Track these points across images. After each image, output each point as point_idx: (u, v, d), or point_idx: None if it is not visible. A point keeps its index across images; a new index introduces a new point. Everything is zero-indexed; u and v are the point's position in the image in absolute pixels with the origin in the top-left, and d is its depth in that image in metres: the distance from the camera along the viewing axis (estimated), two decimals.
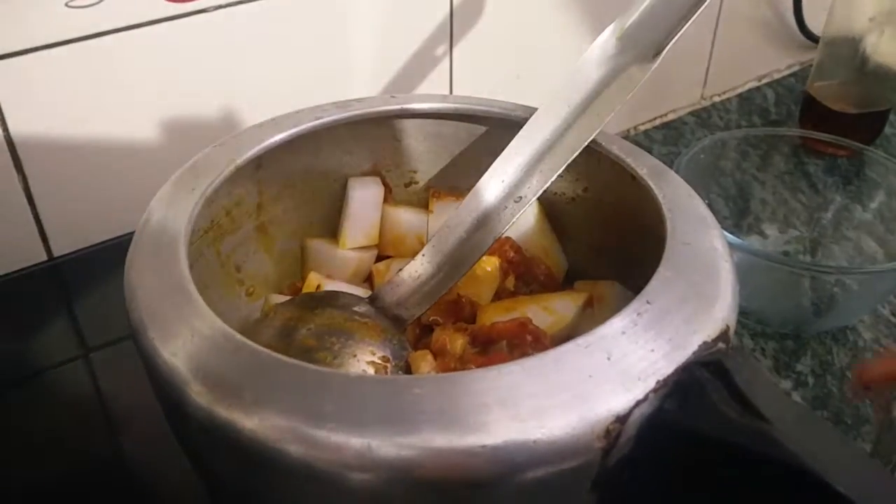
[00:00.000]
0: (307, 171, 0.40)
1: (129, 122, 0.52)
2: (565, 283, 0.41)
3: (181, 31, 0.51)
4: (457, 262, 0.35)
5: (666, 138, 0.77)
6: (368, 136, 0.41)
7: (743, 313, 0.55)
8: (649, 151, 0.72)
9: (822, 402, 0.50)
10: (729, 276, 0.30)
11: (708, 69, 0.80)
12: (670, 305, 0.28)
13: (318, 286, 0.38)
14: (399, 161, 0.42)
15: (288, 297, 0.38)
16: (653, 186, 0.34)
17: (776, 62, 0.86)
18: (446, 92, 0.65)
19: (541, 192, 0.34)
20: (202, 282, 0.30)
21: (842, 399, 0.51)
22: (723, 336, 0.27)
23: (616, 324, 0.27)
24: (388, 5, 0.58)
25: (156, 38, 0.50)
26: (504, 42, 0.65)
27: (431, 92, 0.63)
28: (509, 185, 0.34)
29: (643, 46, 0.33)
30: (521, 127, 0.35)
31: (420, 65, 0.62)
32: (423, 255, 0.36)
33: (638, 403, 0.25)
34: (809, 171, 0.68)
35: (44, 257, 0.54)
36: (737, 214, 0.64)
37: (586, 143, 0.33)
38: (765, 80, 0.85)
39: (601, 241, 0.40)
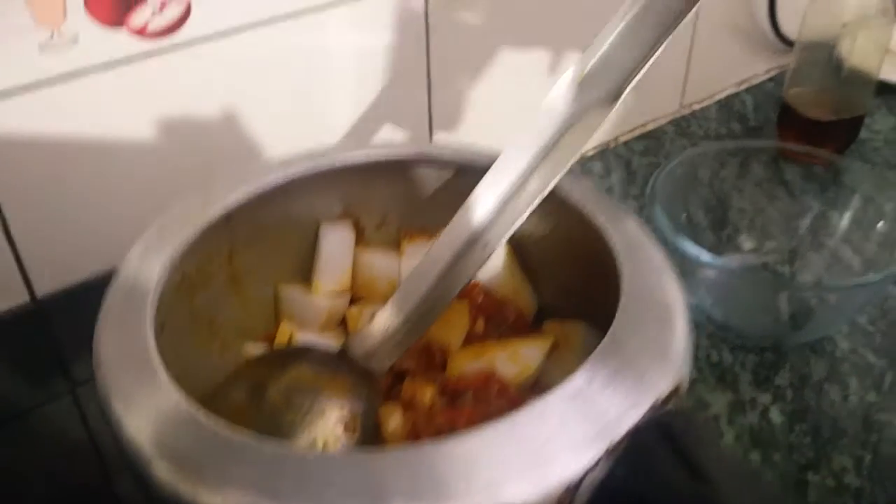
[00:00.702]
0: (278, 219, 0.40)
1: (109, 159, 0.52)
2: (535, 319, 0.42)
3: (157, 68, 0.51)
4: (425, 312, 0.35)
5: (647, 149, 0.77)
6: (338, 183, 0.41)
7: (722, 328, 0.56)
8: (629, 163, 0.74)
9: (801, 416, 0.51)
10: (683, 332, 0.31)
11: (686, 77, 0.80)
12: (623, 366, 0.28)
13: (290, 337, 0.38)
14: (370, 204, 0.43)
15: (262, 344, 0.39)
16: (610, 236, 0.34)
17: (754, 67, 0.86)
18: (425, 129, 0.65)
19: (507, 237, 0.35)
20: (174, 340, 0.31)
21: (820, 412, 0.51)
22: (673, 394, 0.28)
23: (569, 387, 0.27)
24: (365, 47, 0.59)
25: (132, 76, 0.50)
26: (482, 80, 0.66)
27: (411, 129, 0.64)
28: (475, 232, 0.34)
29: (602, 90, 0.33)
30: (485, 172, 0.35)
31: (396, 103, 0.62)
32: (392, 305, 0.36)
33: (589, 470, 0.26)
34: (787, 179, 0.68)
35: (26, 297, 0.54)
36: (716, 225, 0.64)
37: (550, 188, 0.34)
38: (743, 86, 0.86)
39: (568, 280, 0.40)
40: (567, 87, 0.34)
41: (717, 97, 0.84)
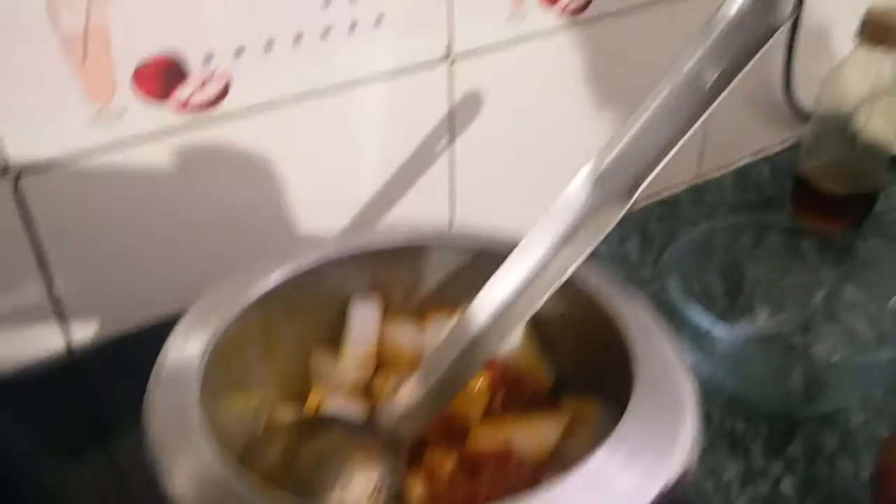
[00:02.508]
0: (311, 295, 0.43)
1: (149, 225, 0.55)
2: (552, 392, 0.43)
3: (196, 140, 0.54)
4: (447, 386, 0.37)
5: (663, 216, 0.79)
6: (369, 262, 0.44)
7: (735, 397, 0.57)
8: (645, 229, 0.76)
9: (813, 487, 0.51)
10: (692, 420, 0.32)
11: (703, 145, 0.82)
12: (637, 449, 0.30)
13: (321, 401, 0.40)
14: (396, 281, 0.45)
15: (294, 406, 0.41)
16: (624, 326, 0.36)
17: (770, 137, 0.87)
18: (446, 207, 0.68)
19: (525, 320, 0.36)
20: (212, 404, 0.33)
21: (832, 483, 0.52)
22: (682, 480, 0.30)
23: (586, 469, 0.29)
24: (393, 124, 0.62)
25: (173, 147, 0.53)
26: (505, 143, 0.68)
27: (433, 207, 0.67)
28: (495, 314, 0.36)
29: (618, 185, 0.35)
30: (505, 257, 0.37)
31: (420, 180, 0.65)
32: (416, 379, 0.38)
33: None
34: (802, 251, 0.69)
35: (62, 347, 0.56)
36: (730, 295, 0.65)
37: (566, 277, 0.35)
38: (760, 156, 0.87)
39: (582, 358, 0.42)
40: (585, 180, 0.36)
41: (734, 166, 0.85)
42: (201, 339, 0.36)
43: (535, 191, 0.70)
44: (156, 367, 0.36)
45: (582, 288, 0.40)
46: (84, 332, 0.57)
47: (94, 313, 0.57)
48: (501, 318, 0.36)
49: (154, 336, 0.36)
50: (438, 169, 0.65)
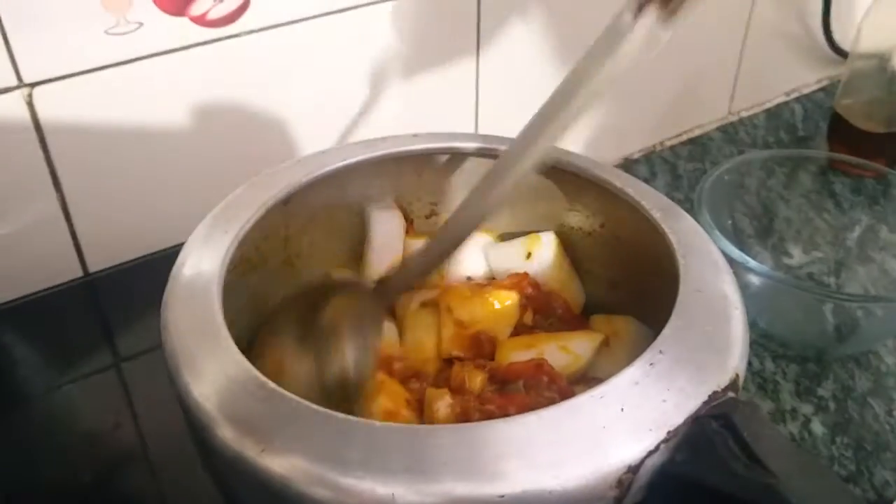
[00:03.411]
0: (331, 205, 0.41)
1: (165, 143, 0.54)
2: (583, 314, 0.42)
3: (214, 56, 0.52)
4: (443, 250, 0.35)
5: (692, 154, 0.77)
6: (391, 172, 0.42)
7: (765, 336, 0.56)
8: (675, 168, 0.74)
9: (843, 428, 0.50)
10: (739, 325, 0.31)
11: (735, 84, 0.80)
12: (682, 356, 0.29)
13: None
14: (420, 194, 0.43)
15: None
16: (666, 231, 0.34)
17: (805, 77, 0.85)
18: (472, 116, 0.65)
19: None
20: (230, 317, 0.32)
21: (863, 425, 0.51)
22: (732, 385, 0.28)
23: (629, 374, 0.28)
24: (417, 40, 0.59)
25: (190, 62, 0.52)
26: (530, 69, 0.66)
27: (457, 116, 0.64)
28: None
29: None
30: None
31: (443, 99, 0.63)
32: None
33: (649, 454, 0.26)
34: (835, 191, 0.68)
35: (80, 273, 0.55)
36: (761, 234, 0.64)
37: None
38: (793, 95, 0.85)
39: (618, 276, 0.41)
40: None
41: (766, 105, 0.83)
42: (224, 239, 0.34)
43: None
44: (172, 274, 0.35)
45: (621, 195, 0.38)
46: (98, 258, 0.55)
47: (108, 237, 0.55)
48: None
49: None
50: (463, 86, 0.63)
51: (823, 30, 0.81)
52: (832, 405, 0.52)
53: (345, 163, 0.39)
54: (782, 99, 0.84)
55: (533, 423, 0.26)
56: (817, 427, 0.51)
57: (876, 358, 0.55)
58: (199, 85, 0.53)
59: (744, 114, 0.82)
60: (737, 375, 0.29)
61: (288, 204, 0.39)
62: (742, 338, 0.31)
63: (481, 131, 0.66)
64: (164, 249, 0.56)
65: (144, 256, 0.57)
